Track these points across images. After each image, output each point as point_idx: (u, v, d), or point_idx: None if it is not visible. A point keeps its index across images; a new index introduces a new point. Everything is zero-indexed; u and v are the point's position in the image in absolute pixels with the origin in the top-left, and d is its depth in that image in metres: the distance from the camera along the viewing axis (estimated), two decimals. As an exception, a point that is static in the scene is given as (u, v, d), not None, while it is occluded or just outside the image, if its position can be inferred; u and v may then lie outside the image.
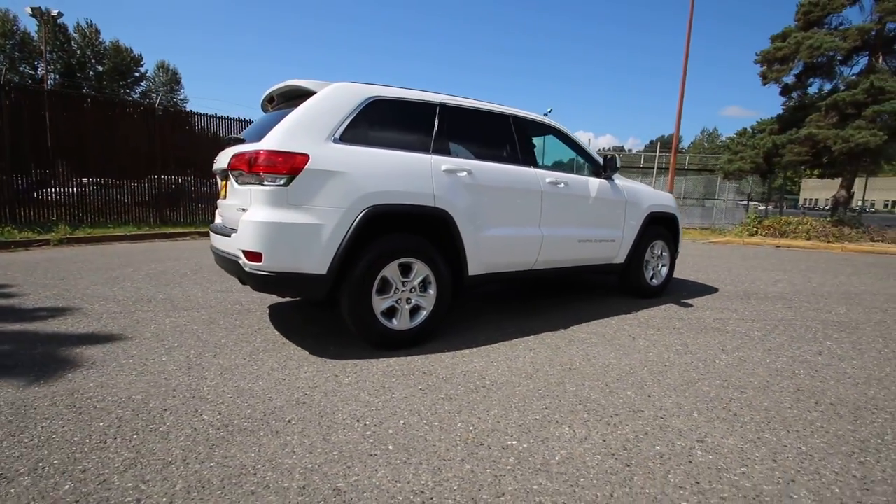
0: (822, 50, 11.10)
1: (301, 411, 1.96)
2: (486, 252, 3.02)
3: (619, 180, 4.01)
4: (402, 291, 2.72)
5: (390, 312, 2.70)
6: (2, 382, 2.15)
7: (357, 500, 1.40)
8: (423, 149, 2.83)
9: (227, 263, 2.72)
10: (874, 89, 10.21)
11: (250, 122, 10.91)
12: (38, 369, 2.32)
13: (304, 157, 2.39)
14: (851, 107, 10.63)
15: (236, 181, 2.57)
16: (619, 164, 3.85)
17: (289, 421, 1.87)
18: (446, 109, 2.99)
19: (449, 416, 1.96)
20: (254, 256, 2.38)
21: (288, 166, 2.35)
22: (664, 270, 4.47)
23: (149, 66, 43.24)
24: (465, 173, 2.90)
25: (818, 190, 58.42)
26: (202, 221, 10.27)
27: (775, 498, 1.46)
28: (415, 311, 2.79)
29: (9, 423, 1.80)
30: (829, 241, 10.61)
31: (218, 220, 3.31)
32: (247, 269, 2.42)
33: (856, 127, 10.36)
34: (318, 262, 2.42)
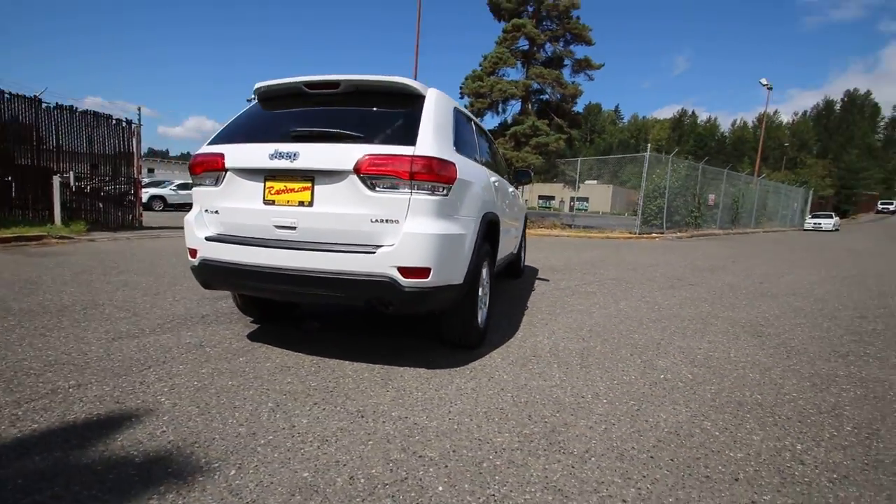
0: (506, 93, 15.71)
1: (542, 407, 2.13)
2: (501, 250, 3.52)
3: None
4: (481, 290, 2.94)
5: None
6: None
7: (712, 414, 1.95)
8: (476, 159, 3.07)
9: (331, 284, 2.19)
10: (534, 126, 15.39)
11: None
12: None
13: (454, 166, 2.32)
14: (523, 137, 15.62)
15: (368, 186, 2.15)
16: (531, 179, 4.97)
17: (557, 412, 2.05)
18: (472, 120, 3.29)
19: (625, 367, 2.59)
20: (418, 273, 2.15)
21: (448, 175, 2.25)
22: (524, 256, 5.94)
23: None
24: (496, 180, 3.31)
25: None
26: None
27: (813, 354, 2.91)
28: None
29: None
30: (518, 229, 15.28)
31: (230, 231, 2.42)
32: (406, 287, 2.14)
33: (527, 151, 15.37)
34: (461, 271, 2.41)
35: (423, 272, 2.16)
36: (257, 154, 2.29)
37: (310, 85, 2.52)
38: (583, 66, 16.82)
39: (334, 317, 3.52)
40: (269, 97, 2.72)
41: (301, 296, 2.36)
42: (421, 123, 2.30)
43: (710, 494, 1.52)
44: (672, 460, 1.72)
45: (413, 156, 2.15)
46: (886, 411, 2.22)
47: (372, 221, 2.17)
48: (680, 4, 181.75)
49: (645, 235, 15.08)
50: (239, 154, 2.36)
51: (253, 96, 2.77)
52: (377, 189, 2.17)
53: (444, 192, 2.24)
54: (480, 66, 17.58)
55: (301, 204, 2.25)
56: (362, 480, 1.52)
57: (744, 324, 3.86)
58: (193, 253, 2.49)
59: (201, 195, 2.49)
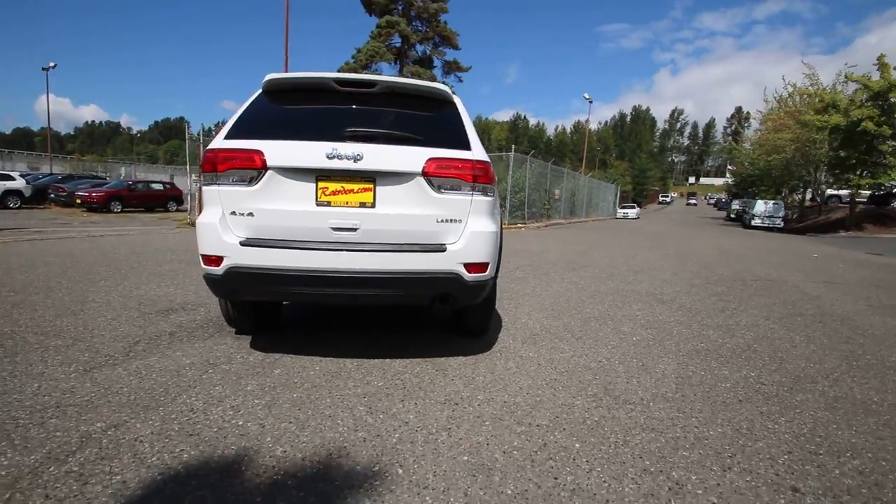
0: (384, 88, 15.76)
1: (581, 373, 2.54)
2: None
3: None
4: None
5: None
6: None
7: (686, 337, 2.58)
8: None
9: (401, 283, 2.23)
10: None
11: None
12: None
13: (493, 169, 2.53)
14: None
15: (434, 188, 2.21)
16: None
17: (596, 375, 2.47)
18: None
19: (605, 335, 3.12)
20: (480, 267, 2.33)
21: (494, 178, 2.45)
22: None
23: None
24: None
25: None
26: None
27: (706, 312, 3.83)
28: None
29: None
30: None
31: (271, 235, 2.20)
32: (470, 282, 2.30)
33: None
34: (496, 264, 2.64)
35: (483, 267, 2.36)
36: (311, 153, 2.15)
37: (341, 82, 2.43)
38: (453, 67, 17.90)
39: (308, 319, 3.38)
40: (280, 90, 2.51)
41: (359, 298, 2.31)
42: (466, 129, 2.46)
43: (736, 413, 2.12)
44: (695, 395, 2.30)
45: (474, 160, 2.32)
46: (777, 344, 3.23)
47: (437, 221, 2.27)
48: (510, 23, 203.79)
49: (513, 226, 16.87)
50: (285, 152, 2.17)
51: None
52: (442, 191, 2.27)
53: (492, 193, 2.45)
54: (354, 58, 17.23)
55: (363, 205, 2.21)
56: (515, 453, 1.71)
57: (645, 294, 4.89)
58: (217, 261, 2.20)
59: (226, 196, 2.20)
